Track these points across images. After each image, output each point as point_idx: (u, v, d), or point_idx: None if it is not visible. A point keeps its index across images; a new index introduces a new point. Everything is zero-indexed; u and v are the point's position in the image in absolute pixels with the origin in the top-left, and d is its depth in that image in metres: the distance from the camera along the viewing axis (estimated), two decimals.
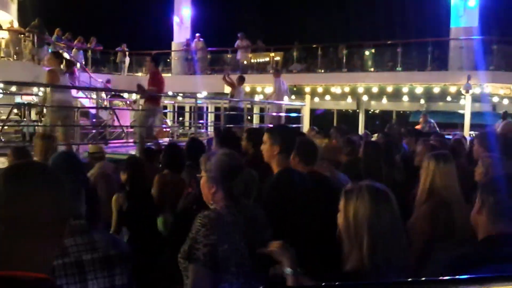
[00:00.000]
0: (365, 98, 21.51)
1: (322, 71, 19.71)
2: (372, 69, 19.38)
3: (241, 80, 12.66)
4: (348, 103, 23.23)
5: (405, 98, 20.01)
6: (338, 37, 22.15)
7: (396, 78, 17.97)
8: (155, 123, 9.21)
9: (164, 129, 14.89)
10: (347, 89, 19.39)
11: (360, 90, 19.43)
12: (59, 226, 1.28)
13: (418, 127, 12.92)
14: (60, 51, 16.88)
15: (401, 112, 25.94)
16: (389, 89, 18.39)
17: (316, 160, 3.60)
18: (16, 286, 1.17)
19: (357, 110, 23.23)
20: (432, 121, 13.70)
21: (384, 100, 22.02)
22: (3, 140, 9.26)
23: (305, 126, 14.48)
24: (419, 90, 17.78)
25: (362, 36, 22.33)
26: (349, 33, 24.80)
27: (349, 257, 2.04)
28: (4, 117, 13.72)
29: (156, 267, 3.98)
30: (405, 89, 18.18)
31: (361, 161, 4.79)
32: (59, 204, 1.28)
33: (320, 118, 22.91)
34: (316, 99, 21.34)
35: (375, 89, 18.80)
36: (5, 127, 10.93)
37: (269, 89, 15.67)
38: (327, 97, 20.98)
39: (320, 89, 19.60)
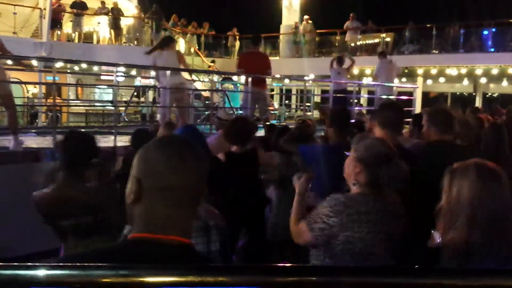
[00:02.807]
0: (483, 80, 20.21)
1: (437, 52, 18.78)
2: (492, 50, 18.13)
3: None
4: (464, 86, 21.96)
5: None
6: (454, 16, 20.88)
7: None
8: (258, 105, 9.40)
9: (271, 112, 15.14)
10: (463, 71, 18.37)
11: (478, 72, 18.31)
12: (200, 196, 1.39)
13: None
14: (176, 36, 17.74)
15: None
16: (511, 70, 17.12)
17: (452, 131, 3.37)
18: (169, 249, 1.29)
19: (474, 93, 21.91)
20: None
21: (505, 83, 20.53)
22: (126, 120, 9.97)
23: (417, 109, 13.95)
24: None
25: (481, 14, 20.87)
26: (466, 11, 23.27)
27: (444, 235, 1.97)
28: (125, 98, 14.77)
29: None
30: None
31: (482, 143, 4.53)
32: (203, 176, 1.38)
33: (433, 101, 21.90)
34: (429, 82, 20.43)
35: (495, 71, 17.62)
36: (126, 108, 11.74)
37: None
38: (441, 80, 20.00)
39: (434, 71, 18.74)
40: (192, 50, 20.09)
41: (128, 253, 1.28)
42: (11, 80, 10.52)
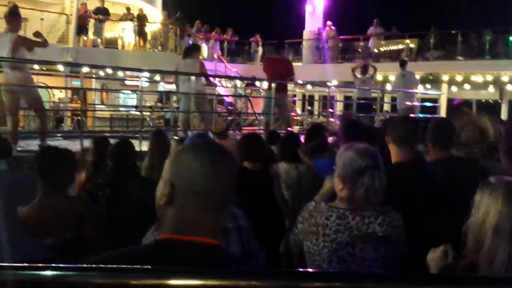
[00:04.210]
0: (509, 87, 19.87)
1: (462, 58, 18.54)
2: None
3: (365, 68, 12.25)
4: (490, 93, 21.60)
5: None
6: (480, 22, 20.59)
7: None
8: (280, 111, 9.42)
9: (294, 118, 15.14)
10: (489, 78, 18.09)
11: (505, 78, 18.01)
12: (229, 200, 1.44)
13: None
14: (200, 42, 17.88)
15: None
16: None
17: (452, 143, 3.20)
18: (199, 249, 1.33)
19: (500, 101, 21.54)
20: None
21: None
22: (151, 124, 10.08)
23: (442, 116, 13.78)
24: None
25: (508, 20, 20.53)
26: (493, 17, 22.94)
27: (468, 254, 1.89)
28: (148, 104, 14.92)
29: None
30: None
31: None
32: (233, 180, 1.42)
33: (457, 108, 21.59)
34: (454, 88, 20.17)
35: None
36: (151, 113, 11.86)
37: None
38: (466, 86, 19.74)
39: (459, 78, 18.51)
40: (215, 56, 20.20)
41: (158, 253, 1.32)
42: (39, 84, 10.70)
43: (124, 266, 1.09)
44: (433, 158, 3.18)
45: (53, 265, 1.08)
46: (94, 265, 1.15)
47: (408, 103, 12.37)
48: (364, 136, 4.26)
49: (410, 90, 12.39)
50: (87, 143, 7.44)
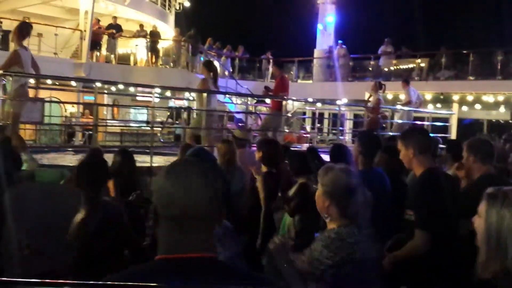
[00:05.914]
0: None
1: (473, 78, 18.49)
2: None
3: (379, 86, 12.09)
4: (501, 113, 21.52)
5: None
6: (492, 42, 20.57)
7: None
8: (279, 127, 9.52)
9: (303, 135, 15.14)
10: (500, 98, 18.03)
11: None
12: (214, 219, 1.42)
13: None
14: (211, 59, 18.00)
15: None
16: None
17: (493, 160, 3.49)
18: (192, 263, 1.34)
19: (511, 121, 21.44)
20: None
21: None
22: (162, 140, 10.09)
23: (453, 136, 13.71)
24: None
25: None
26: (504, 37, 22.93)
27: (486, 265, 1.89)
28: (158, 119, 14.99)
29: None
30: None
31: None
32: (214, 200, 1.39)
33: (468, 128, 21.50)
34: (465, 108, 20.11)
35: None
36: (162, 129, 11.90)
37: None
38: (477, 106, 19.67)
39: (470, 98, 18.45)
40: (226, 73, 20.32)
41: (160, 273, 1.33)
42: (52, 99, 10.77)
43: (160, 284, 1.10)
44: (477, 173, 3.39)
45: (70, 281, 1.07)
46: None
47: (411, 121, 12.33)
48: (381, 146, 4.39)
49: (421, 109, 12.39)
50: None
